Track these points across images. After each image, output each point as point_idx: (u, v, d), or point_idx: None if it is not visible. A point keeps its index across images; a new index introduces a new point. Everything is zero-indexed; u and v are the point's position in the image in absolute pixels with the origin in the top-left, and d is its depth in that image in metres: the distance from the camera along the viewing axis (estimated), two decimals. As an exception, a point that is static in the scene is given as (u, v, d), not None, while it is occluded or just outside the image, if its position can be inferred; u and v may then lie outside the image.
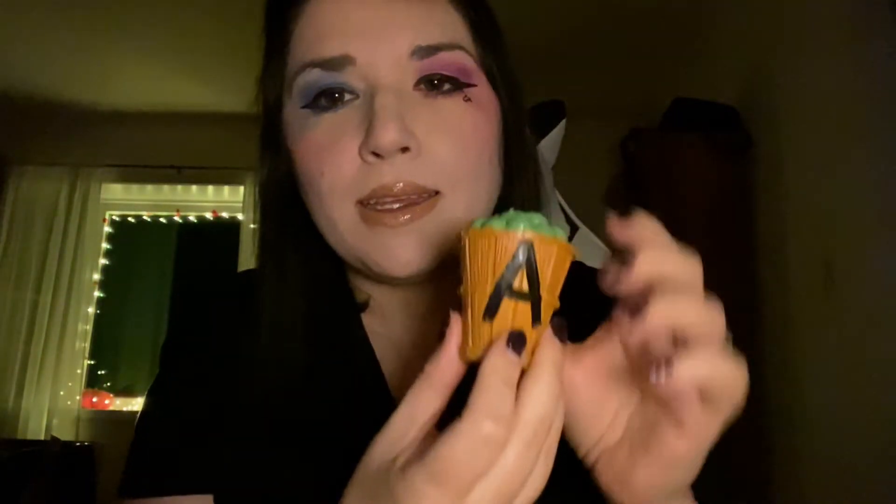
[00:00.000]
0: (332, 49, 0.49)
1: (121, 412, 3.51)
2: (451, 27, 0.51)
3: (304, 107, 0.50)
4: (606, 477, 0.37)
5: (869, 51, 1.68)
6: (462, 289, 0.36)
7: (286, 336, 0.54)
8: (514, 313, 0.34)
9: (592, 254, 1.52)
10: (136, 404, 3.56)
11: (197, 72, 3.17)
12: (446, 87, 0.50)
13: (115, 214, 3.80)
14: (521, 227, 0.34)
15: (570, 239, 1.56)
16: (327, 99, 0.49)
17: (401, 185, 0.47)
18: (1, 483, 2.73)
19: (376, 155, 0.47)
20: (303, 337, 0.54)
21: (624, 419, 0.37)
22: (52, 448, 2.97)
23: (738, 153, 2.29)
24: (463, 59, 0.50)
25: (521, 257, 0.34)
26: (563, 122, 1.74)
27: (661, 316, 0.32)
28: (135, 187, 3.75)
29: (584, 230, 1.61)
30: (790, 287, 2.04)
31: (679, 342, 0.32)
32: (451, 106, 0.50)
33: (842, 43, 1.80)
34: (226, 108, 3.17)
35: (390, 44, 0.48)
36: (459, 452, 0.30)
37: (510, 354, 0.33)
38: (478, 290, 0.35)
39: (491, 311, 0.34)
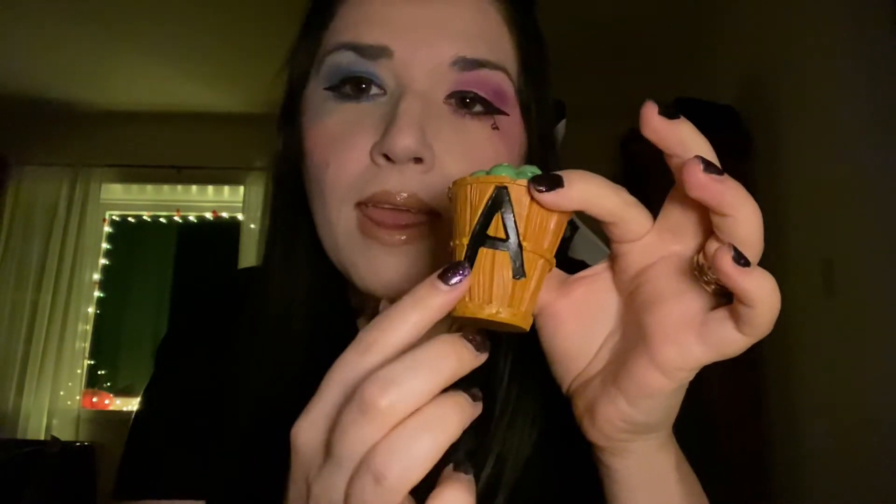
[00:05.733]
0: (372, 36, 0.46)
1: (121, 412, 3.51)
2: (500, 47, 0.48)
3: (327, 88, 0.48)
4: (578, 409, 0.36)
5: (869, 51, 1.68)
6: (451, 243, 0.33)
7: (285, 335, 0.53)
8: (492, 263, 0.31)
9: (592, 254, 1.52)
10: (136, 404, 3.55)
11: (197, 72, 3.17)
12: (477, 108, 0.47)
13: (115, 214, 3.80)
14: (503, 173, 0.31)
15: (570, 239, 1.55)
16: (353, 87, 0.47)
17: (405, 195, 0.45)
18: (1, 483, 2.73)
19: (388, 158, 0.44)
20: (302, 338, 0.53)
21: (607, 353, 0.36)
22: (52, 448, 2.97)
23: (738, 153, 2.28)
24: (503, 83, 0.48)
25: (494, 202, 0.31)
26: (563, 122, 1.73)
27: (753, 213, 0.29)
28: (135, 187, 3.75)
29: (583, 230, 1.60)
30: (790, 287, 2.04)
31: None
32: (476, 130, 0.47)
33: (842, 43, 1.80)
34: (226, 108, 3.17)
35: (433, 47, 0.46)
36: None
37: (438, 283, 0.30)
38: (459, 242, 0.32)
39: (469, 261, 0.31)
